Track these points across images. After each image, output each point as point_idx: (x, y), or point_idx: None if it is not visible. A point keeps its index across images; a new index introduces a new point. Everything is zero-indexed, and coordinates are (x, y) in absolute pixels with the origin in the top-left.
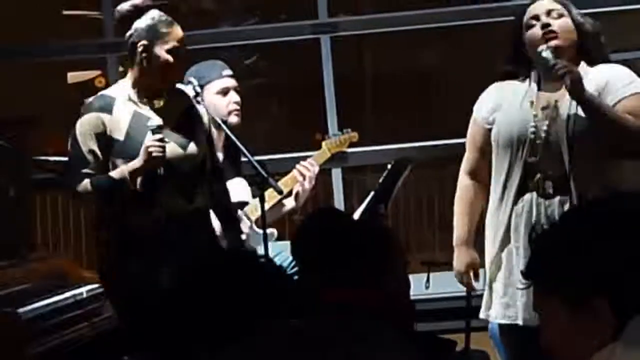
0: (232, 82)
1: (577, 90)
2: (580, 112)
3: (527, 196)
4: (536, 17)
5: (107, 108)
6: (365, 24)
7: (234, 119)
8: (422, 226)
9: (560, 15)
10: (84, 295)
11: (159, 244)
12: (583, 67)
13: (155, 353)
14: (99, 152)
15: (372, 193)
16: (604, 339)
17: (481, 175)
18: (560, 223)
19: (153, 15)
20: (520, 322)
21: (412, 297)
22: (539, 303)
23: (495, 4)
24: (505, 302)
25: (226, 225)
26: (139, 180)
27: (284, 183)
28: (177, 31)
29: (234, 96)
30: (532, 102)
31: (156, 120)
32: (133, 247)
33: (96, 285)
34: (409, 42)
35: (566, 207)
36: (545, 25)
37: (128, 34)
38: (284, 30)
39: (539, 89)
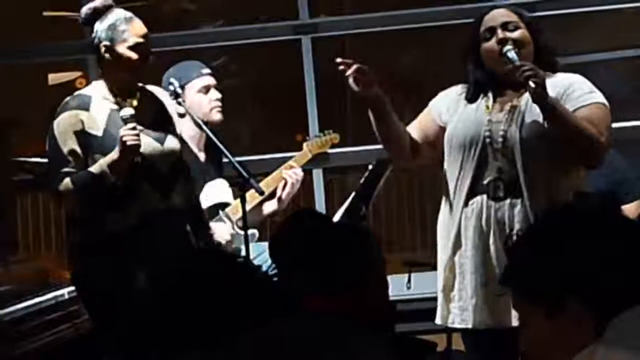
0: (212, 80)
1: (540, 93)
2: (534, 117)
3: (478, 198)
4: (492, 30)
5: (84, 106)
6: (347, 24)
7: (217, 116)
8: (403, 226)
9: (517, 28)
10: (65, 296)
11: (135, 243)
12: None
13: (133, 355)
14: (78, 150)
15: (353, 193)
16: (583, 341)
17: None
18: (532, 228)
19: (112, 14)
20: (470, 325)
21: (393, 298)
22: (517, 309)
23: (478, 4)
24: (459, 305)
25: (195, 225)
26: (118, 173)
27: (265, 184)
28: (138, 27)
29: (215, 94)
30: (487, 107)
31: (127, 110)
32: (108, 245)
33: None
34: (391, 42)
35: (517, 209)
36: (501, 41)
37: (92, 36)
38: (265, 31)
39: (495, 94)
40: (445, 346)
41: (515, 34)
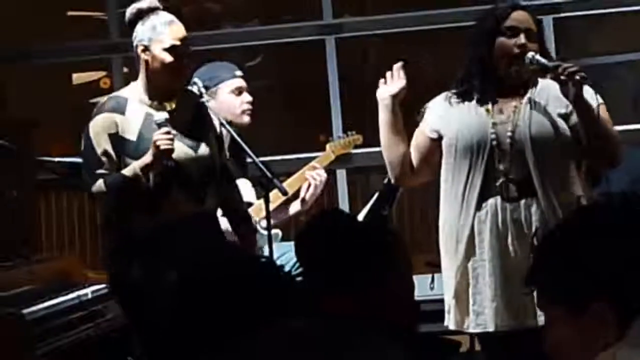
0: (244, 83)
1: (581, 88)
2: (540, 117)
3: (491, 201)
4: (515, 30)
5: (120, 109)
6: (370, 24)
7: (246, 119)
8: (426, 227)
9: (534, 38)
10: (89, 296)
11: (168, 248)
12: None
13: (158, 354)
14: (112, 153)
15: (376, 194)
16: (607, 342)
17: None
18: (557, 229)
19: (154, 16)
20: (491, 329)
21: (416, 298)
22: (541, 309)
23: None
24: (475, 310)
25: (238, 225)
26: (152, 177)
27: (288, 184)
28: (177, 30)
29: (246, 96)
30: (487, 110)
31: (162, 115)
32: (141, 250)
33: (101, 286)
34: (415, 43)
35: (533, 209)
36: (522, 46)
37: (133, 37)
38: (289, 31)
39: (493, 98)
40: (468, 346)
41: (533, 46)
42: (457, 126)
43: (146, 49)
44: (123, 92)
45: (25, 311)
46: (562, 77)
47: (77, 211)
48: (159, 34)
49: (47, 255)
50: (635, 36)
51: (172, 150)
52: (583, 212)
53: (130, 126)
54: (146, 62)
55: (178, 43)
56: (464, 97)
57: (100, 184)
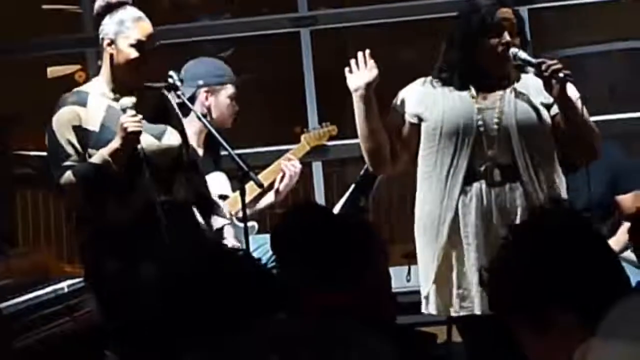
0: (235, 90)
1: (565, 85)
2: (525, 105)
3: (476, 184)
4: (500, 28)
5: (81, 102)
6: (346, 17)
7: (229, 125)
8: (403, 218)
9: (518, 33)
10: (65, 289)
11: (137, 238)
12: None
13: (136, 349)
14: (77, 144)
15: (353, 185)
16: (571, 346)
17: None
18: (504, 253)
19: (122, 11)
20: (477, 312)
21: (393, 290)
22: (511, 329)
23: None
24: (460, 293)
25: (208, 215)
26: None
27: (263, 176)
28: (144, 26)
29: (236, 105)
30: (472, 96)
31: (128, 100)
32: (111, 241)
33: (77, 280)
34: (390, 35)
35: (517, 194)
36: (507, 44)
37: (99, 30)
38: (264, 23)
39: (477, 86)
40: (445, 338)
41: (516, 40)
42: (442, 109)
43: (112, 42)
44: (85, 87)
45: (1, 305)
46: (545, 74)
47: (54, 205)
48: (126, 29)
49: (24, 249)
50: (610, 27)
51: (139, 133)
52: (526, 232)
53: (93, 118)
54: (111, 55)
55: (144, 39)
56: (445, 82)
57: (68, 175)
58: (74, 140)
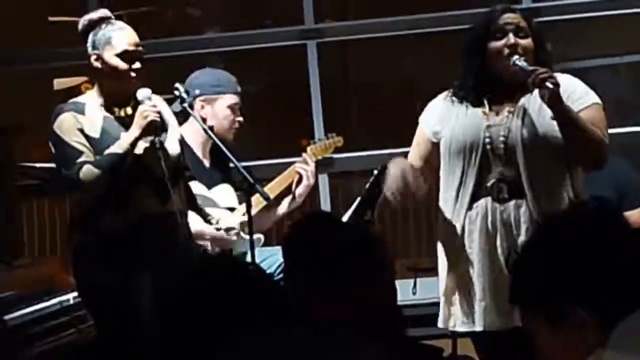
0: (239, 101)
1: (555, 96)
2: (534, 120)
3: (482, 201)
4: (503, 31)
5: (79, 110)
6: (351, 29)
7: (231, 137)
8: (408, 231)
9: (526, 35)
10: (71, 301)
11: (133, 247)
12: None
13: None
14: (87, 144)
15: (358, 199)
16: (588, 348)
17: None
18: (532, 241)
19: (105, 25)
20: (479, 328)
21: (399, 303)
22: (525, 323)
23: (481, 9)
24: (462, 309)
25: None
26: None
27: (269, 189)
28: (128, 35)
29: (239, 116)
30: (484, 112)
31: (146, 91)
32: (106, 250)
33: None
34: (395, 48)
35: (522, 210)
36: (512, 46)
37: (87, 47)
38: (271, 36)
39: (490, 100)
40: (450, 352)
41: (525, 42)
42: (453, 127)
43: (99, 57)
44: (80, 99)
45: (6, 317)
46: (535, 83)
47: (59, 217)
48: (111, 40)
49: (29, 260)
50: (615, 40)
51: (158, 123)
52: (557, 221)
53: (92, 125)
54: (99, 70)
55: (130, 48)
56: (461, 98)
57: (88, 167)
58: (83, 141)
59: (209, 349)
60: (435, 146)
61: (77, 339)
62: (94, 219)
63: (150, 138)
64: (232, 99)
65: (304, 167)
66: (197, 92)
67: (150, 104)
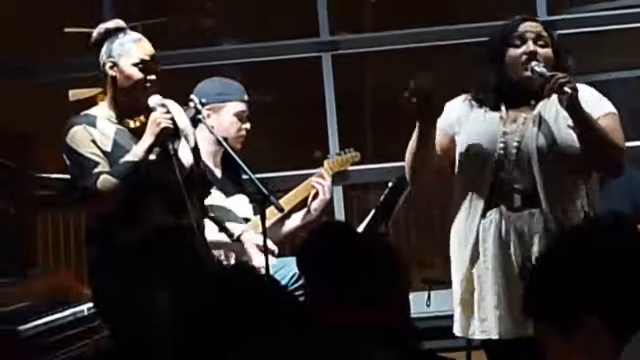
0: (247, 109)
1: (575, 100)
2: (548, 128)
3: (496, 209)
4: (523, 39)
5: (91, 123)
6: (367, 42)
7: (238, 146)
8: (422, 244)
9: (546, 45)
10: (85, 312)
11: (147, 261)
12: None
13: None
14: (101, 154)
15: (373, 211)
16: (603, 357)
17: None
18: (547, 253)
19: (122, 34)
20: (494, 336)
21: (413, 315)
22: (538, 334)
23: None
24: (479, 316)
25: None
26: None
27: (285, 201)
28: (145, 46)
29: (247, 124)
30: (501, 117)
31: (157, 98)
32: (122, 261)
33: None
34: (411, 60)
35: (535, 219)
36: (530, 53)
37: (100, 55)
38: (286, 48)
39: (508, 106)
40: None
41: (544, 51)
42: (469, 130)
43: (114, 65)
44: (91, 111)
45: (20, 328)
46: (554, 88)
47: (74, 227)
48: (128, 49)
49: (44, 271)
50: (630, 54)
51: (171, 129)
52: (573, 233)
53: (105, 137)
54: (114, 78)
55: (147, 58)
56: (480, 101)
57: (105, 177)
58: (97, 152)
59: (224, 359)
60: (451, 141)
61: (92, 350)
62: (110, 230)
63: (165, 144)
64: (238, 106)
65: (320, 181)
66: (204, 100)
67: (163, 110)
